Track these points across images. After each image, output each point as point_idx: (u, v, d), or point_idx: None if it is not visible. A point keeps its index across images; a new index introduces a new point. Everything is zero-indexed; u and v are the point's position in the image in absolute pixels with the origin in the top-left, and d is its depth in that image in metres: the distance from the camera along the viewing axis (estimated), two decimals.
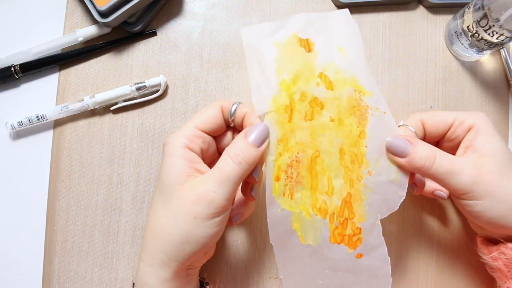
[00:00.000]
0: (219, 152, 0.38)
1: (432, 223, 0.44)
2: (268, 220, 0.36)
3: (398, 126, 0.37)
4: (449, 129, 0.36)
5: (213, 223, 0.32)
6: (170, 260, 0.32)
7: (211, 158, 0.38)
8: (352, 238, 0.36)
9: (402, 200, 0.35)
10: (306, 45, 0.36)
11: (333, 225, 0.36)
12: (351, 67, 0.36)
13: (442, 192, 0.39)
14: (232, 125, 0.37)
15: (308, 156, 0.35)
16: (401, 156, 0.34)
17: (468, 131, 0.35)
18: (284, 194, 0.36)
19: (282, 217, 0.36)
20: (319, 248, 0.36)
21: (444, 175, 0.33)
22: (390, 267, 0.35)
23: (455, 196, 0.34)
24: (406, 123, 0.38)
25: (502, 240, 0.34)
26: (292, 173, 0.35)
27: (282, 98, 0.35)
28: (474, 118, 0.35)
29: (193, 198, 0.32)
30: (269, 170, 0.35)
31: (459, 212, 0.43)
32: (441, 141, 0.38)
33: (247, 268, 0.44)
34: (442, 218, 0.44)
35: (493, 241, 0.36)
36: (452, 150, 0.36)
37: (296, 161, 0.35)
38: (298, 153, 0.35)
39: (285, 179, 0.35)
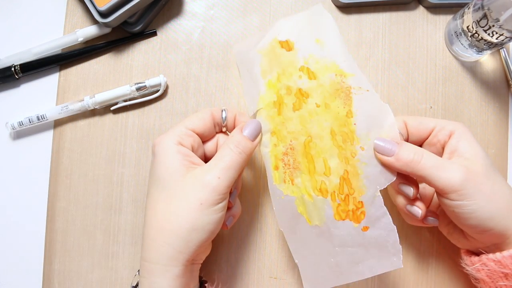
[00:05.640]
0: (206, 157, 0.39)
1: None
2: (274, 208, 0.38)
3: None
4: (430, 133, 0.37)
5: (217, 208, 0.34)
6: (178, 253, 0.33)
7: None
8: (355, 212, 0.36)
9: None
10: (286, 45, 0.40)
11: (335, 203, 0.37)
12: (330, 54, 0.38)
13: (432, 218, 0.39)
14: (224, 129, 0.39)
15: (301, 143, 0.37)
16: (389, 154, 0.34)
17: (450, 136, 0.36)
18: (284, 181, 0.38)
19: (286, 203, 0.38)
20: (325, 227, 0.37)
21: (433, 169, 0.33)
22: (397, 235, 0.35)
23: (442, 196, 0.34)
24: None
25: (484, 252, 0.35)
26: (289, 160, 0.37)
27: (269, 95, 0.38)
28: (454, 125, 0.36)
29: (199, 185, 0.33)
30: (267, 161, 0.38)
31: None
32: (423, 145, 0.38)
33: (247, 267, 0.44)
34: None
35: (475, 252, 0.36)
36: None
37: (291, 148, 0.37)
38: (291, 141, 0.37)
39: (283, 166, 0.37)
